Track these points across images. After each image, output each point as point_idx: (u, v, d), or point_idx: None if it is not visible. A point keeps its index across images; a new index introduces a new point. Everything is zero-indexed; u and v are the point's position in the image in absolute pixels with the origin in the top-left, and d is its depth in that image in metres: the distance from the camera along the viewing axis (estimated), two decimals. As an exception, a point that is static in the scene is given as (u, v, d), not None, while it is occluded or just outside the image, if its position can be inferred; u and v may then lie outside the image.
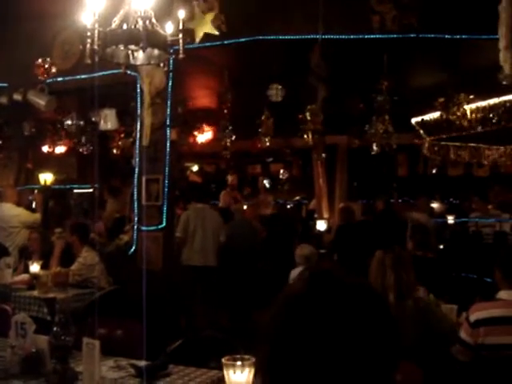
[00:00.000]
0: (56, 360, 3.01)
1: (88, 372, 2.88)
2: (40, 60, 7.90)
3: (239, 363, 2.57)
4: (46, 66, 7.88)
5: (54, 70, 7.94)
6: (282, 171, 15.68)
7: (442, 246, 9.43)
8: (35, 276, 6.56)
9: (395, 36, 6.57)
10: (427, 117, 9.64)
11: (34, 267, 6.70)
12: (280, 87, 7.93)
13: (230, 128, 9.70)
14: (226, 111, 9.15)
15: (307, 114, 8.17)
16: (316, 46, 7.03)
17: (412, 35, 6.51)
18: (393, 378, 1.16)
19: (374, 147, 8.67)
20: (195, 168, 16.00)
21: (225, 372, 2.60)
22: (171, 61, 5.91)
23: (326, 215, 12.77)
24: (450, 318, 4.60)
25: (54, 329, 2.98)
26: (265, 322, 1.21)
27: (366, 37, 6.71)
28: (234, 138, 9.86)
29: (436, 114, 9.04)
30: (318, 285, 1.19)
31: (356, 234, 8.91)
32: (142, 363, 3.25)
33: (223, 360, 2.62)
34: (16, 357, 3.13)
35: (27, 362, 3.10)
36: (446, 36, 6.61)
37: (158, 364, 3.21)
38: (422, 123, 9.94)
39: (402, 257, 4.16)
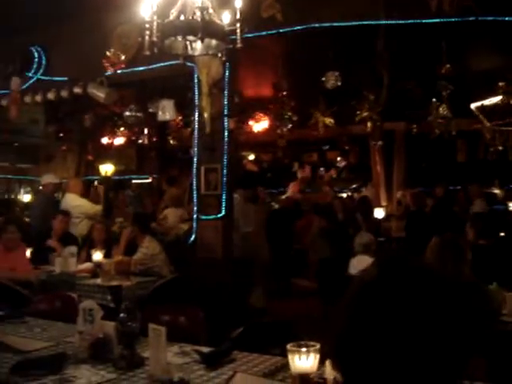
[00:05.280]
0: (123, 345, 3.08)
1: (155, 357, 2.93)
2: (111, 51, 7.98)
3: (304, 349, 2.57)
4: (116, 58, 7.95)
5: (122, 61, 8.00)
6: (338, 159, 15.56)
7: (502, 234, 9.22)
8: (98, 264, 6.70)
9: (453, 20, 6.45)
10: (487, 101, 9.43)
11: (97, 256, 6.84)
12: (337, 74, 7.87)
13: (286, 116, 9.69)
14: (281, 100, 9.15)
15: (365, 101, 8.12)
16: (380, 33, 6.95)
17: (470, 18, 6.38)
18: (464, 369, 1.14)
19: (436, 132, 8.53)
20: (251, 157, 16.02)
21: (289, 358, 2.60)
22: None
23: (383, 203, 12.63)
24: None
25: (121, 315, 3.04)
26: (337, 310, 1.21)
27: (423, 21, 6.61)
28: (289, 126, 9.85)
29: (496, 99, 8.83)
30: (389, 272, 1.19)
31: (427, 221, 8.68)
32: (206, 349, 3.28)
33: (288, 346, 2.62)
34: (84, 342, 3.20)
35: (95, 347, 3.17)
36: (506, 18, 6.45)
37: (222, 350, 3.24)
38: (482, 108, 9.72)
39: (461, 249, 4.09)
